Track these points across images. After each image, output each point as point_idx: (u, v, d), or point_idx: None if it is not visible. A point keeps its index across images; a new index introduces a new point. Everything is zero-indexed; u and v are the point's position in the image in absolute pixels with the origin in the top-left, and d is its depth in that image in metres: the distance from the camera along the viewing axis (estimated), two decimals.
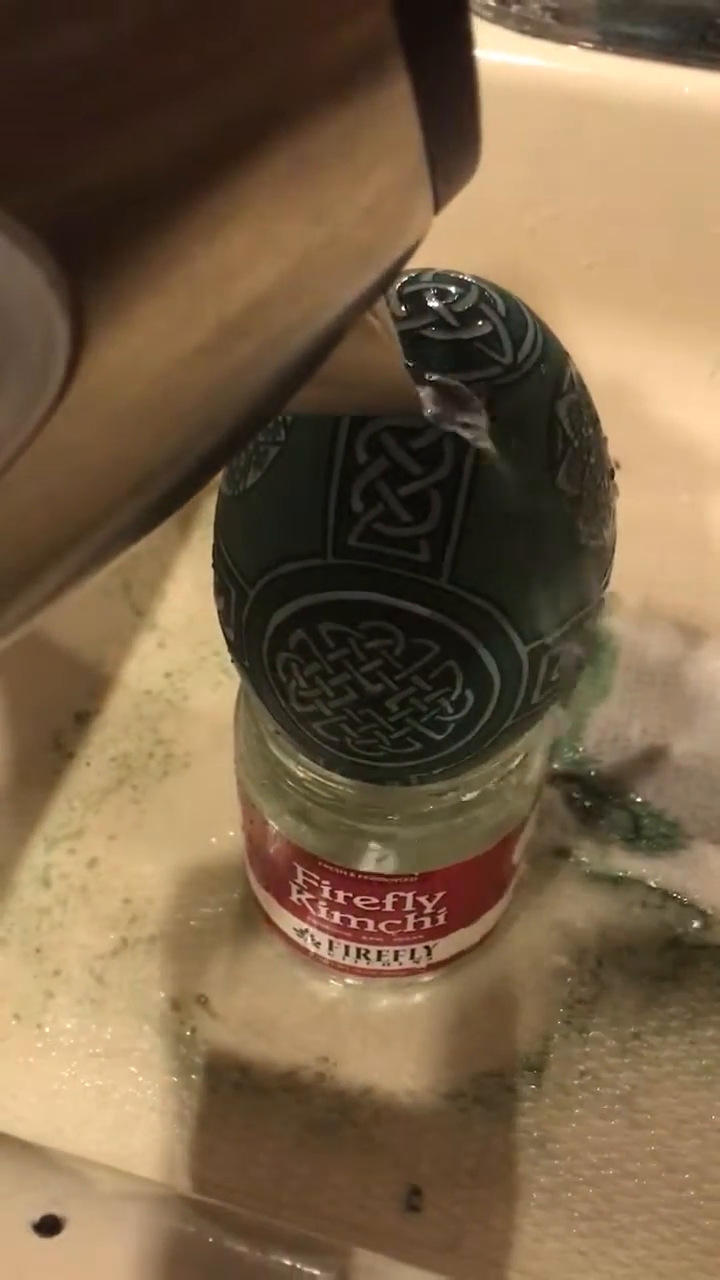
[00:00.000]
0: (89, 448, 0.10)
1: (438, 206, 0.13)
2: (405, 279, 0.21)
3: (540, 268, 0.47)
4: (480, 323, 0.20)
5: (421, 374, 0.19)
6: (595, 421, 0.22)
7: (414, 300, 0.20)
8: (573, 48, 0.45)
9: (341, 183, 0.11)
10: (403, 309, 0.20)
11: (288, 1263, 0.19)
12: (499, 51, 0.44)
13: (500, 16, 0.44)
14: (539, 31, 0.44)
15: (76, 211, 0.09)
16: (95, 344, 0.09)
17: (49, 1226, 0.17)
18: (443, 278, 0.21)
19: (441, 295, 0.20)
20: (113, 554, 0.12)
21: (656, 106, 0.44)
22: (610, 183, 0.45)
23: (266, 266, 0.11)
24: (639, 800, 0.40)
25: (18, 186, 0.08)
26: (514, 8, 0.44)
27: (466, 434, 0.19)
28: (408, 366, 0.19)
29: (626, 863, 0.38)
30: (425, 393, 0.19)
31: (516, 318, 0.21)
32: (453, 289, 0.21)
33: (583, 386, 0.22)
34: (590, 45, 0.45)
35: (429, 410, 0.19)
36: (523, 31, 0.44)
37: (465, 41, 0.10)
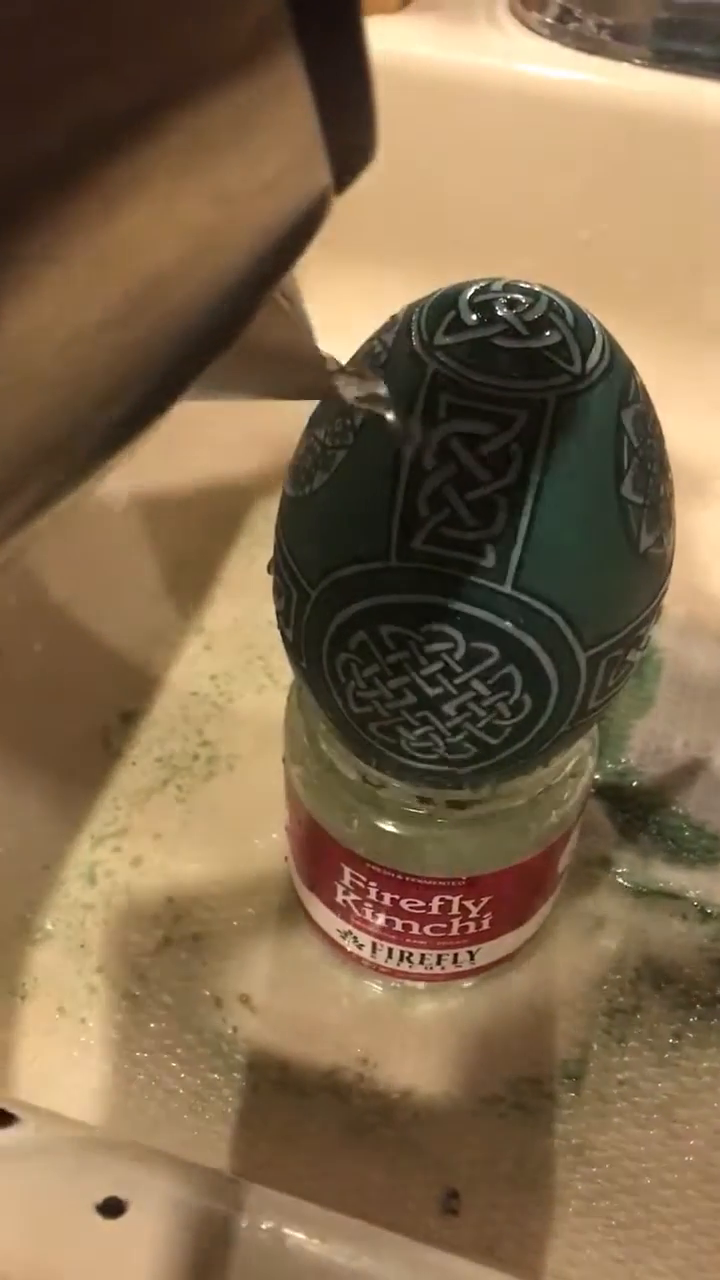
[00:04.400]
0: None
1: (339, 188, 0.13)
2: (476, 288, 0.21)
3: (593, 280, 0.47)
4: (549, 332, 0.21)
5: (330, 358, 0.20)
6: (659, 431, 0.23)
7: (484, 309, 0.21)
8: (627, 65, 0.45)
9: (238, 161, 0.11)
10: (474, 317, 0.21)
11: (349, 1251, 0.19)
12: (556, 68, 0.44)
13: (558, 34, 0.45)
14: (596, 49, 0.44)
15: None
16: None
17: (112, 1208, 0.17)
18: (512, 287, 0.21)
19: (511, 304, 0.21)
20: (23, 523, 0.13)
21: (709, 123, 0.44)
22: (663, 198, 0.46)
23: (167, 243, 0.11)
24: (680, 813, 0.40)
25: None
26: (571, 25, 0.45)
27: (377, 409, 0.20)
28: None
29: (667, 875, 0.38)
30: (338, 376, 0.20)
31: (585, 327, 0.21)
32: (522, 298, 0.21)
33: (647, 397, 0.22)
34: (644, 63, 0.45)
35: (340, 391, 0.20)
36: (580, 49, 0.44)
37: (356, 25, 0.11)
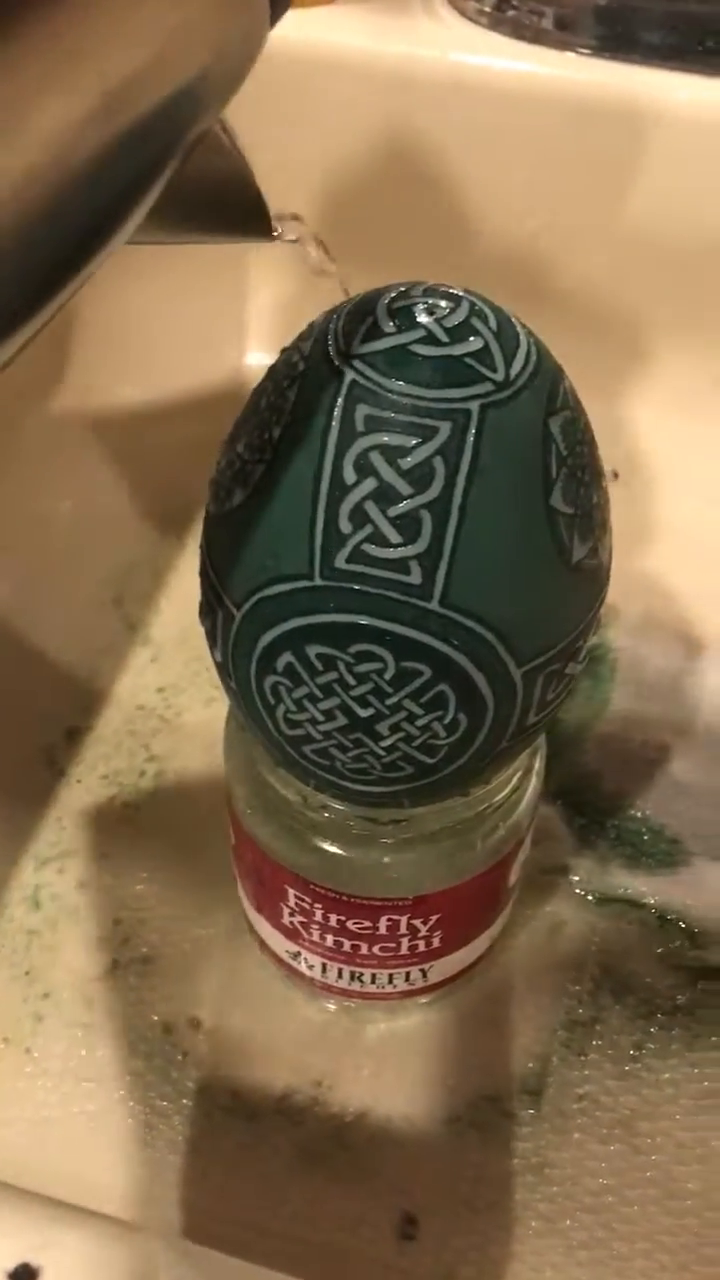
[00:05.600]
0: None
1: (274, 19, 0.16)
2: (395, 293, 0.20)
3: (540, 273, 0.47)
4: (471, 338, 0.20)
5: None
6: (590, 438, 0.22)
7: (403, 315, 0.20)
8: (569, 54, 0.44)
9: None
10: (392, 324, 0.20)
11: None
12: (496, 58, 0.43)
13: (496, 22, 0.44)
14: (536, 38, 0.44)
15: None
16: None
17: (23, 1276, 0.16)
18: (433, 291, 0.20)
19: (431, 310, 0.20)
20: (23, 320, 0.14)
21: (653, 112, 0.43)
22: (608, 188, 0.45)
23: (135, 44, 0.13)
24: (639, 816, 0.39)
25: None
26: (510, 14, 0.44)
27: (304, 257, 0.21)
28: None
29: (626, 881, 0.37)
30: (274, 215, 0.21)
31: (508, 333, 0.20)
32: (443, 303, 0.20)
33: (577, 402, 0.21)
34: (587, 51, 0.44)
35: (275, 232, 0.22)
36: (520, 38, 0.43)
37: None
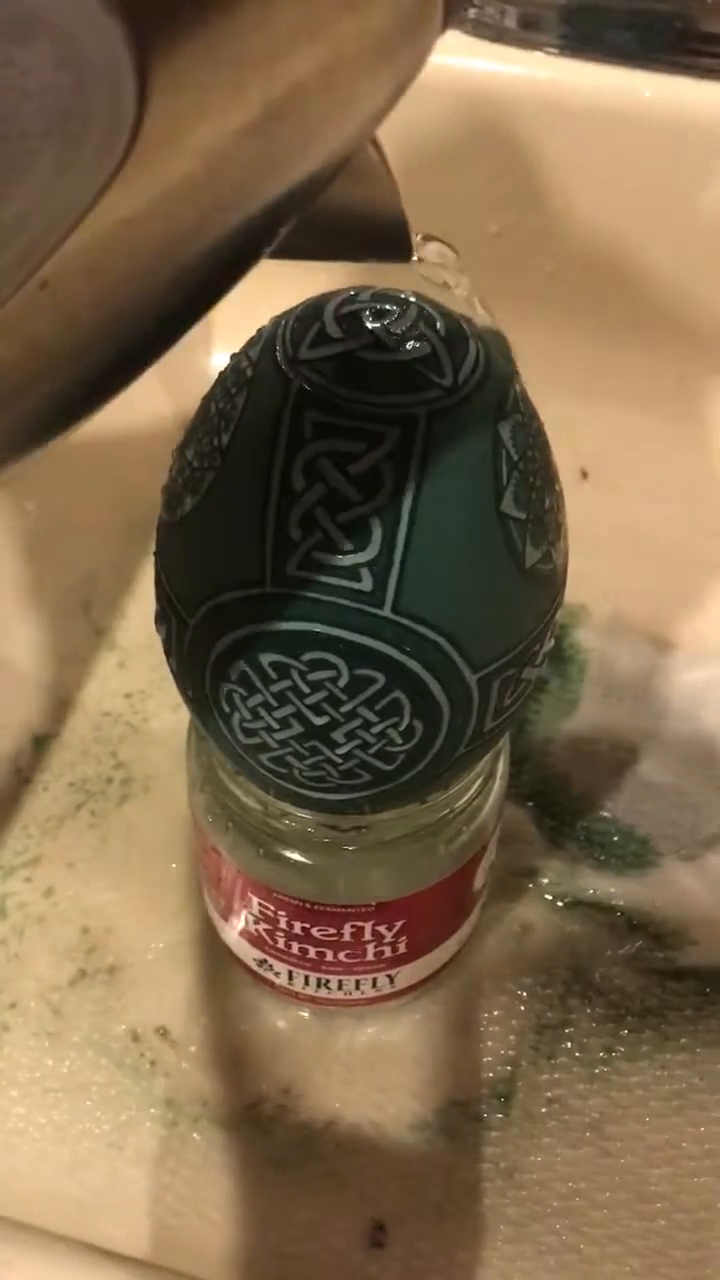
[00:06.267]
0: (139, 222, 0.11)
1: (446, 21, 0.14)
2: (342, 298, 0.20)
3: (504, 273, 0.46)
4: (419, 343, 0.20)
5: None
6: (543, 442, 0.22)
7: (350, 320, 0.20)
8: (534, 52, 0.44)
9: None
10: (339, 329, 0.20)
11: None
12: (459, 56, 0.43)
13: (459, 21, 0.44)
14: (499, 36, 0.43)
15: None
16: (155, 111, 0.10)
17: None
18: (381, 296, 0.20)
19: (379, 315, 0.20)
20: (154, 351, 0.13)
21: (618, 110, 0.43)
22: (573, 186, 0.45)
23: (306, 51, 0.12)
24: (608, 817, 0.39)
25: None
26: (472, 12, 0.44)
27: (457, 291, 0.20)
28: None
29: (595, 882, 0.37)
30: (417, 243, 0.20)
31: (457, 338, 0.20)
32: (391, 308, 0.20)
33: (529, 407, 0.21)
34: (552, 50, 0.44)
35: (413, 257, 0.20)
36: (481, 36, 0.43)
37: None
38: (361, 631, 0.20)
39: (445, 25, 0.14)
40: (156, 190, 0.11)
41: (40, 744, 0.40)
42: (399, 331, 0.20)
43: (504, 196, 0.45)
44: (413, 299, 0.20)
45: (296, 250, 0.16)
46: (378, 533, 0.20)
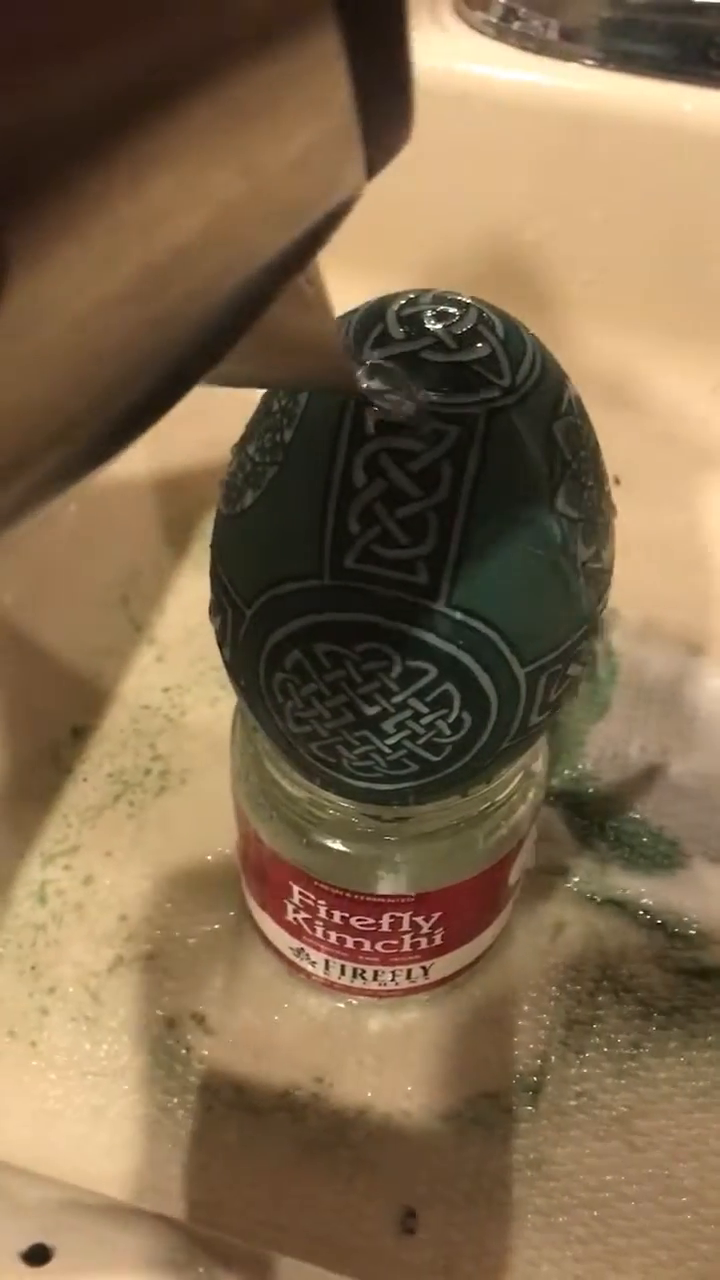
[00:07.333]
0: (6, 389, 0.10)
1: (371, 170, 0.13)
2: (404, 300, 0.21)
3: (542, 281, 0.47)
4: (479, 345, 0.20)
5: (356, 352, 0.20)
6: (594, 444, 0.22)
7: (412, 322, 0.20)
8: (575, 65, 0.45)
9: (268, 135, 0.11)
10: (401, 330, 0.20)
11: None
12: (501, 68, 0.44)
13: (503, 33, 0.44)
14: (541, 49, 0.44)
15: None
16: (16, 286, 0.09)
17: (38, 1256, 0.17)
18: (441, 299, 0.21)
19: (440, 317, 0.20)
20: (35, 503, 0.12)
21: (657, 123, 0.44)
22: (612, 198, 0.45)
23: (191, 215, 0.11)
24: (637, 818, 0.39)
25: None
26: (516, 25, 0.44)
27: (398, 411, 0.19)
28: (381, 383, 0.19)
29: (624, 882, 0.38)
30: (360, 370, 0.19)
31: (515, 340, 0.21)
32: (452, 310, 0.21)
33: (581, 408, 0.22)
34: (592, 63, 0.45)
35: (362, 386, 0.19)
36: (525, 48, 0.44)
37: (396, 2, 0.11)
38: (415, 624, 0.21)
39: (371, 176, 0.13)
40: (23, 360, 0.10)
41: (79, 735, 0.41)
42: (460, 333, 0.20)
43: (542, 206, 0.46)
44: (472, 302, 0.21)
45: (236, 380, 0.16)
46: (435, 528, 0.20)
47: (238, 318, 0.13)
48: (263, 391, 0.23)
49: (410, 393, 0.20)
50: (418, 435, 0.20)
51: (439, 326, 0.20)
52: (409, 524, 0.20)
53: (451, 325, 0.20)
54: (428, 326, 0.20)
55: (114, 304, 0.10)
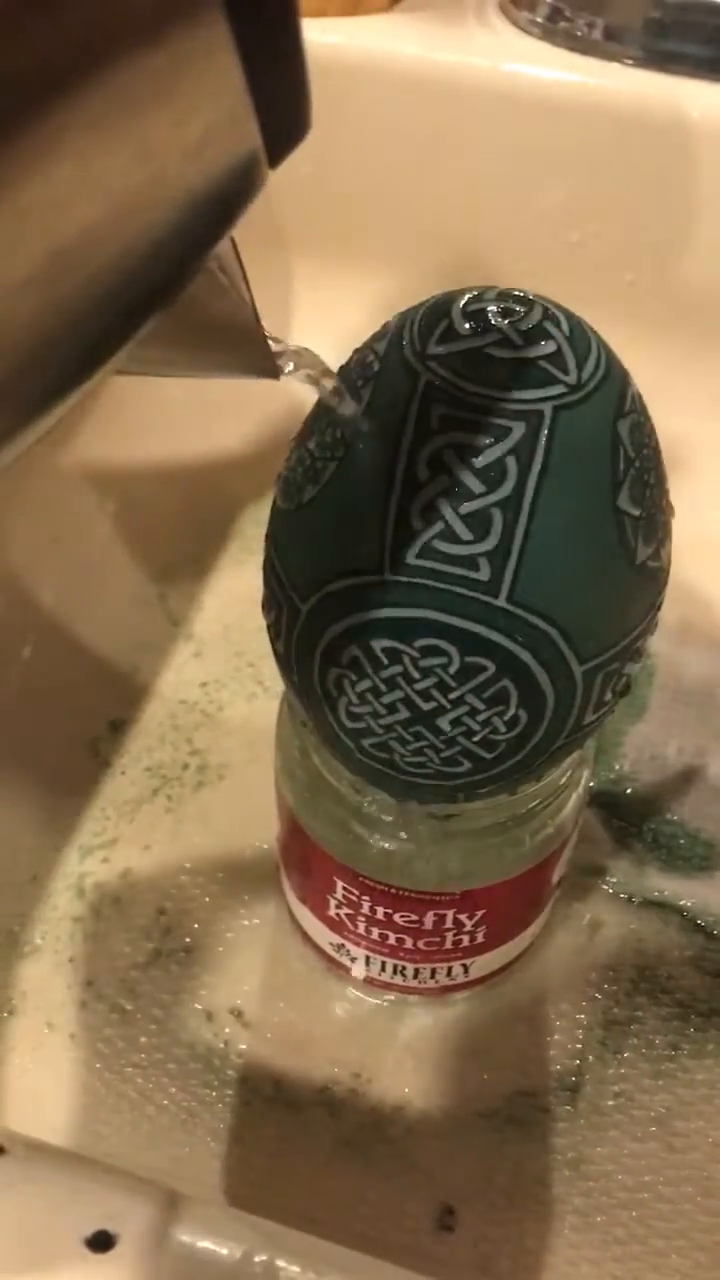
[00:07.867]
0: None
1: (273, 159, 0.13)
2: (469, 296, 0.21)
3: (583, 281, 0.47)
4: (544, 341, 0.20)
5: (268, 334, 0.20)
6: (655, 442, 0.22)
7: (478, 318, 0.20)
8: (618, 64, 0.45)
9: (163, 120, 0.11)
10: (467, 326, 0.20)
11: None
12: (547, 68, 0.44)
13: (548, 33, 0.44)
14: (586, 49, 0.44)
15: None
16: None
17: (102, 1242, 0.17)
18: (507, 295, 0.21)
19: (506, 313, 0.20)
20: None
21: (701, 123, 0.44)
22: (653, 199, 0.45)
23: (92, 201, 0.11)
24: (675, 820, 0.39)
25: None
26: (562, 25, 0.44)
27: (316, 390, 0.20)
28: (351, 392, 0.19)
29: (662, 883, 0.38)
30: (279, 351, 0.20)
31: (580, 337, 0.21)
32: (517, 307, 0.21)
33: (643, 406, 0.22)
34: (635, 63, 0.45)
35: (283, 370, 0.20)
36: (571, 49, 0.44)
37: None
38: (476, 620, 0.21)
39: (274, 165, 0.13)
40: None
41: (117, 729, 0.41)
42: (525, 329, 0.20)
43: (585, 207, 0.46)
44: (536, 299, 0.21)
45: (154, 365, 0.16)
46: (498, 524, 0.20)
47: (147, 298, 0.13)
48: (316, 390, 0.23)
49: (330, 387, 0.20)
50: (483, 431, 0.20)
51: (505, 322, 0.20)
52: (472, 520, 0.20)
53: (517, 321, 0.20)
54: (493, 322, 0.20)
55: (18, 289, 0.11)
